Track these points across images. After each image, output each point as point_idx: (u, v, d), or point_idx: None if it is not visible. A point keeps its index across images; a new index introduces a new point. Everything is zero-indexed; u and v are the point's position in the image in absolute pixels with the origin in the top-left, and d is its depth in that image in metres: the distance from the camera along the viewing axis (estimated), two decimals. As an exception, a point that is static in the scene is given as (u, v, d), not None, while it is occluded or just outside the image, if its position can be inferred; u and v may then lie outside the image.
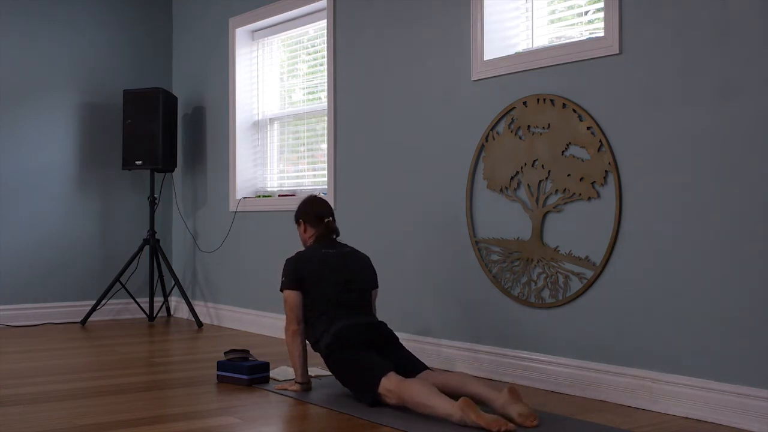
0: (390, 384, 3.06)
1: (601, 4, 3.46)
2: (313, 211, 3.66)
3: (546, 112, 3.55)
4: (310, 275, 3.46)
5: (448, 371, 3.60)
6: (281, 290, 3.50)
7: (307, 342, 3.50)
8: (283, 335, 5.06)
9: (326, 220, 3.62)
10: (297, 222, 3.72)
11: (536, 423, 2.83)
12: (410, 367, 3.27)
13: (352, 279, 3.49)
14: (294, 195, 5.18)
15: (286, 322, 3.47)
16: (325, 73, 4.93)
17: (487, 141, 3.82)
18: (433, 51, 4.11)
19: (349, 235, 4.48)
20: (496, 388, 3.06)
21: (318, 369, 3.85)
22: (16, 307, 5.73)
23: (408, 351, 3.43)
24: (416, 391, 2.97)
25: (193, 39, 6.19)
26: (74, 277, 5.96)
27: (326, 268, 3.48)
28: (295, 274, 3.47)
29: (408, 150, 4.26)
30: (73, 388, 3.51)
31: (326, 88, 4.85)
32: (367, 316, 3.48)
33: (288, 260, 3.54)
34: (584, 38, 3.55)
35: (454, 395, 2.96)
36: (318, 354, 3.44)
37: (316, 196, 3.77)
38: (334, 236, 3.64)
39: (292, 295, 3.45)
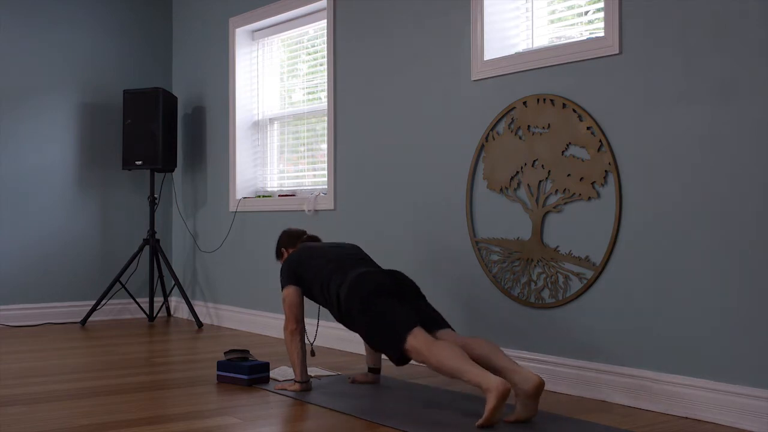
0: (417, 342, 2.96)
1: (601, 4, 3.46)
2: (289, 237, 3.79)
3: (546, 112, 3.55)
4: (307, 261, 3.46)
5: (473, 338, 3.15)
6: (282, 290, 3.50)
7: (305, 342, 3.49)
8: (282, 335, 5.07)
9: (303, 237, 3.75)
10: (279, 256, 3.81)
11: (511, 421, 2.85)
12: (431, 323, 3.15)
13: (349, 253, 3.50)
14: (294, 195, 5.18)
15: (285, 321, 3.46)
16: (325, 73, 4.93)
17: (487, 141, 3.82)
18: (433, 51, 4.11)
19: (349, 235, 4.48)
20: (521, 372, 2.89)
21: (318, 369, 3.85)
22: (16, 307, 5.73)
23: (429, 305, 3.28)
24: (446, 356, 2.86)
25: (193, 39, 6.19)
26: (74, 277, 5.96)
27: (321, 250, 3.50)
28: (292, 270, 3.48)
29: (408, 150, 4.26)
30: (73, 388, 3.51)
31: (326, 88, 4.85)
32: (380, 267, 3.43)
33: (283, 263, 3.56)
34: (584, 38, 3.55)
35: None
36: (314, 355, 3.42)
37: (286, 229, 3.88)
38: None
39: (291, 292, 3.45)
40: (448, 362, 2.84)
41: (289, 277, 3.47)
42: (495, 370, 2.89)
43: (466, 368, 2.80)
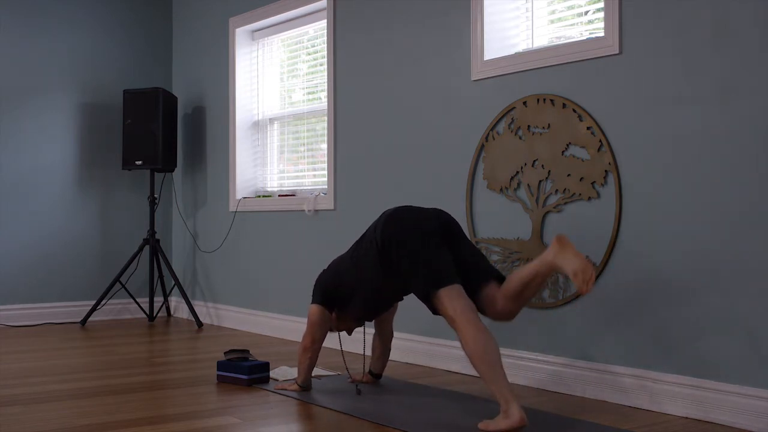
0: (452, 310, 2.86)
1: (601, 4, 3.46)
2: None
3: (546, 112, 3.55)
4: (334, 265, 3.40)
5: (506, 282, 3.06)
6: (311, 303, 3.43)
7: (318, 358, 3.46)
8: (282, 335, 5.07)
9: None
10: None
11: (590, 284, 2.77)
12: (472, 274, 3.04)
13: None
14: (294, 195, 5.18)
15: (304, 334, 3.41)
16: (325, 73, 4.93)
17: (487, 141, 3.82)
18: (433, 51, 4.11)
19: (349, 235, 4.47)
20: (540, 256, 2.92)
21: (319, 369, 3.85)
22: (16, 307, 5.73)
23: (473, 246, 3.16)
24: (480, 353, 2.77)
25: (193, 39, 6.19)
26: (74, 277, 5.96)
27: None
28: (321, 283, 3.38)
29: (408, 150, 4.26)
30: (73, 388, 3.51)
31: (326, 88, 4.85)
32: None
33: (321, 274, 3.46)
34: (584, 38, 3.55)
35: (517, 293, 2.95)
36: (360, 394, 3.36)
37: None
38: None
39: (314, 311, 3.37)
40: (478, 361, 2.78)
41: (317, 293, 3.39)
42: (529, 281, 2.93)
43: (495, 379, 2.75)
